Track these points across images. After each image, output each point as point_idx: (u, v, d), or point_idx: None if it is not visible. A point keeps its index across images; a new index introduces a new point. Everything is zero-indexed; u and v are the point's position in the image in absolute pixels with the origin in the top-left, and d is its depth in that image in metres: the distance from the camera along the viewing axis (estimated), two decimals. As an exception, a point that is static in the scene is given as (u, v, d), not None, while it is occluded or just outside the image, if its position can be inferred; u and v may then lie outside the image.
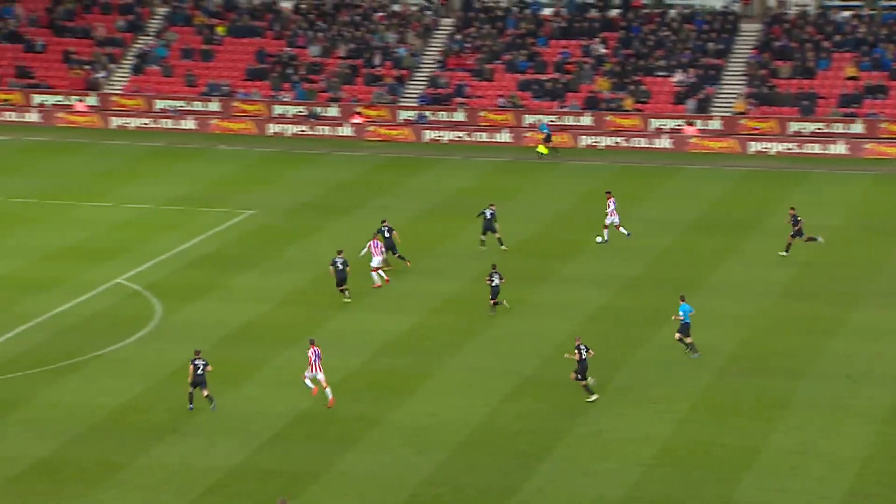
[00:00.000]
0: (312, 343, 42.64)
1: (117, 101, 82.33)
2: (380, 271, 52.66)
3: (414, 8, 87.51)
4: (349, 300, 51.19)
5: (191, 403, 42.01)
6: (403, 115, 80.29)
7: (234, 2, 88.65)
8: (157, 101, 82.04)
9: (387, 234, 54.20)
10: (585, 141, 76.33)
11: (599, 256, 56.89)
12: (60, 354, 46.25)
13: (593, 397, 42.66)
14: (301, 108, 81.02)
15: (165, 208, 64.10)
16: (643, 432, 40.48)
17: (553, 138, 74.01)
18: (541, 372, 45.00)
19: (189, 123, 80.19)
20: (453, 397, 43.00)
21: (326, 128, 78.83)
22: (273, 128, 79.02)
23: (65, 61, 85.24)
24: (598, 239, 58.17)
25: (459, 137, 77.39)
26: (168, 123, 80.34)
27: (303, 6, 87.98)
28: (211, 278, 54.20)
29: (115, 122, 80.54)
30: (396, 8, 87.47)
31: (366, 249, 52.93)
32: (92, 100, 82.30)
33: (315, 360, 42.22)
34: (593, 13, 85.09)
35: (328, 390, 42.28)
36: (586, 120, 78.38)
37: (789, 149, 74.71)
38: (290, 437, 40.41)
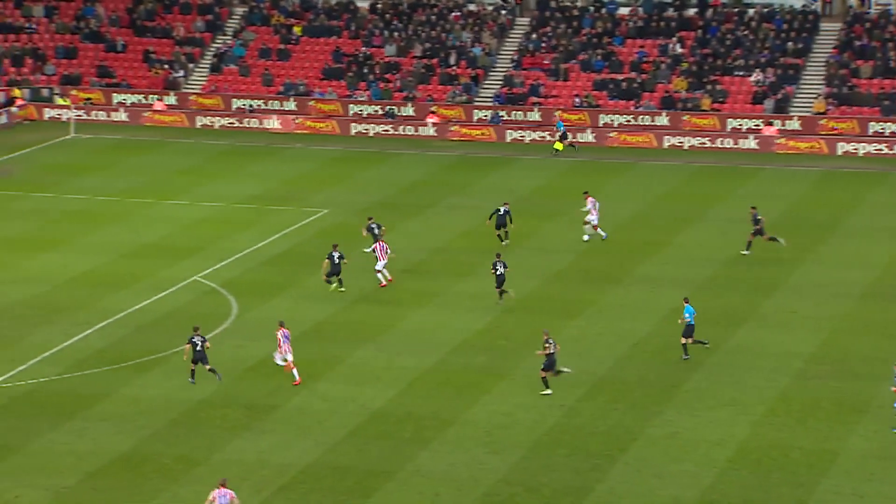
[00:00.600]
0: (282, 325, 43.88)
1: (195, 100, 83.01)
2: (384, 272, 52.75)
3: (490, 7, 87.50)
4: (343, 290, 51.71)
5: (192, 378, 43.72)
6: (478, 114, 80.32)
7: (311, 2, 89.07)
8: (235, 100, 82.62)
9: (376, 232, 54.56)
10: (669, 141, 75.91)
11: (675, 257, 56.63)
12: (140, 350, 46.73)
13: (548, 391, 42.84)
14: (377, 108, 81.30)
15: (241, 206, 64.54)
16: (718, 434, 40.26)
17: (568, 135, 74.41)
18: (615, 372, 44.86)
19: (265, 122, 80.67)
20: (528, 397, 42.97)
21: (409, 127, 78.97)
22: (357, 127, 79.23)
23: (145, 61, 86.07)
24: (585, 237, 58.13)
25: (542, 137, 77.03)
26: (246, 122, 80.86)
27: (379, 6, 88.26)
28: (285, 276, 54.52)
29: (195, 121, 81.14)
30: (472, 7, 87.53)
31: (369, 249, 53.12)
32: (171, 99, 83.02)
33: (284, 342, 43.64)
34: (670, 12, 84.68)
35: (295, 371, 43.61)
36: (662, 120, 78.02)
37: (875, 149, 73.87)
38: (364, 434, 40.56)
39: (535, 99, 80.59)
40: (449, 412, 41.93)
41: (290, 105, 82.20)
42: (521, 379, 44.34)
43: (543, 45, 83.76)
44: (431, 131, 78.81)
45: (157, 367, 45.44)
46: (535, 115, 79.38)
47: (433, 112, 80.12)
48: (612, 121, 78.17)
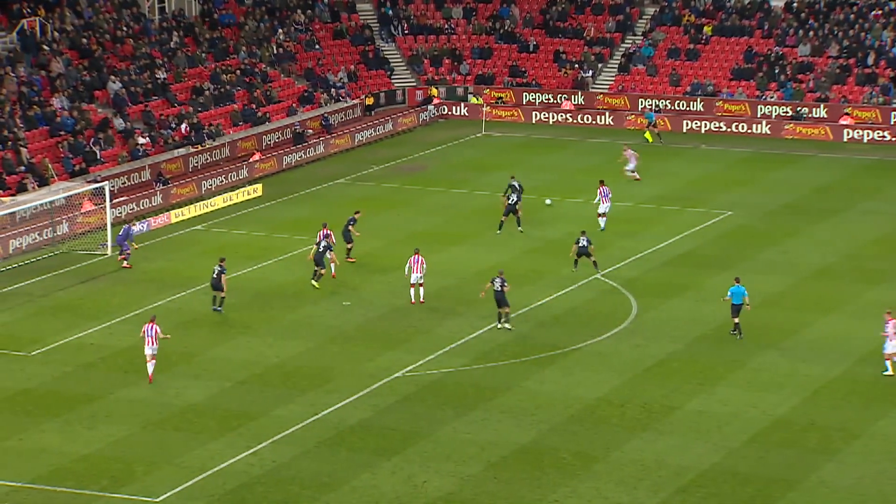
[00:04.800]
0: (152, 320, 44.61)
1: (602, 99, 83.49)
2: (418, 287, 51.01)
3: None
4: (317, 286, 52.41)
5: (213, 305, 49.83)
6: None
7: (723, 1, 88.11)
8: (641, 99, 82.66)
9: (350, 227, 55.30)
10: None
11: None
12: (541, 346, 47.38)
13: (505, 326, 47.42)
14: (786, 109, 79.67)
15: (644, 206, 64.48)
16: None
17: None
18: None
19: (671, 123, 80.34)
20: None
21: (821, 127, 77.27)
22: (762, 128, 77.95)
23: (555, 61, 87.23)
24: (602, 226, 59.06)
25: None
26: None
27: (794, 4, 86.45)
28: (687, 277, 54.13)
29: (599, 119, 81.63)
30: (894, 6, 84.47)
31: (408, 267, 51.16)
32: (578, 98, 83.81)
33: (152, 335, 44.17)
34: None
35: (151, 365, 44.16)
36: None
37: None
38: (765, 442, 39.80)
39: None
40: (856, 424, 40.63)
41: (697, 105, 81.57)
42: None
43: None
44: (843, 134, 76.69)
45: (557, 362, 45.96)
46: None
47: (847, 114, 77.83)
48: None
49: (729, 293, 47.25)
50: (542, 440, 40.11)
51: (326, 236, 53.65)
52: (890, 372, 44.21)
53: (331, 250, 53.41)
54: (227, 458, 38.89)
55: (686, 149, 76.02)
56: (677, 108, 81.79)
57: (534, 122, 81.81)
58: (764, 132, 78.33)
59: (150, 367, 44.39)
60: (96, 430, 40.80)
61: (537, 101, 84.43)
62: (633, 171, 67.65)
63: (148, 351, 44.43)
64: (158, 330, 44.61)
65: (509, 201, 59.94)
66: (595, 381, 44.23)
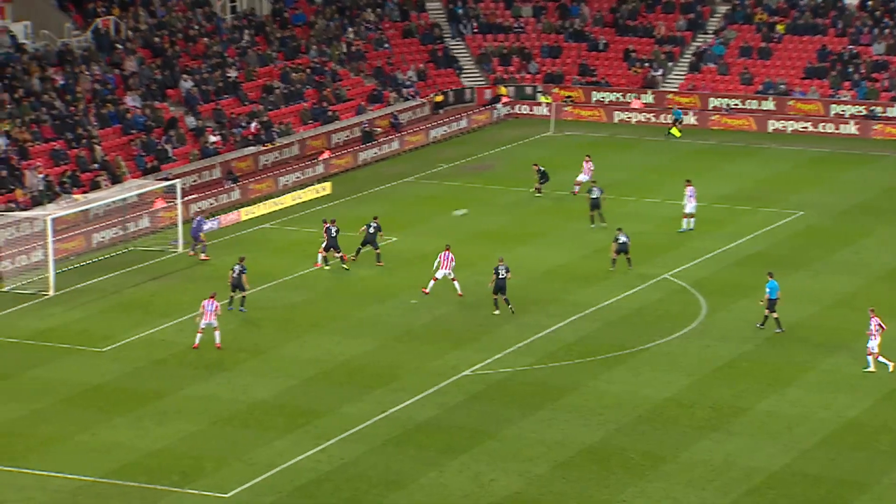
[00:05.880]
0: (213, 296, 46.42)
1: (672, 98, 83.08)
2: (454, 282, 51.48)
3: None
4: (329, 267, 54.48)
5: (231, 306, 49.65)
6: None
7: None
8: (712, 99, 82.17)
9: (371, 231, 55.18)
10: None
11: None
12: (608, 345, 47.22)
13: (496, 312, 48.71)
14: (860, 108, 78.92)
15: (714, 206, 64.10)
16: None
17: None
18: None
19: (743, 122, 79.82)
20: None
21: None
22: (831, 127, 77.23)
23: (625, 60, 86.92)
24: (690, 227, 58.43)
25: None
26: (723, 121, 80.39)
27: (869, 2, 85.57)
28: (757, 277, 53.53)
29: (670, 119, 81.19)
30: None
31: (437, 262, 51.55)
32: (648, 97, 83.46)
33: (210, 310, 46.05)
34: None
35: (217, 334, 46.18)
36: None
37: None
38: (837, 444, 39.45)
39: None
40: (933, 427, 40.25)
41: (769, 105, 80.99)
42: None
43: None
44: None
45: (624, 362, 45.78)
46: None
47: (919, 114, 77.09)
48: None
49: (767, 289, 47.27)
50: (610, 440, 39.98)
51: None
52: (872, 369, 43.90)
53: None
54: (295, 455, 39.07)
55: (759, 148, 75.49)
56: (748, 108, 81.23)
57: (615, 122, 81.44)
58: (837, 132, 77.60)
59: (198, 338, 46.42)
60: (166, 426, 41.13)
61: (606, 100, 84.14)
62: (581, 183, 64.91)
63: (202, 323, 46.24)
64: (217, 305, 46.31)
65: (592, 196, 60.35)
66: (663, 382, 44.03)
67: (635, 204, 64.89)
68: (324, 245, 55.36)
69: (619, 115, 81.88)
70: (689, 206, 59.85)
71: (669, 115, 79.57)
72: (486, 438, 40.07)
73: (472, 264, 53.61)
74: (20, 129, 65.42)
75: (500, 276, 49.59)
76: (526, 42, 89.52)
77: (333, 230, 55.08)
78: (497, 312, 49.90)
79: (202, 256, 56.37)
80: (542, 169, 65.89)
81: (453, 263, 51.60)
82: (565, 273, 55.06)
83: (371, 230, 55.67)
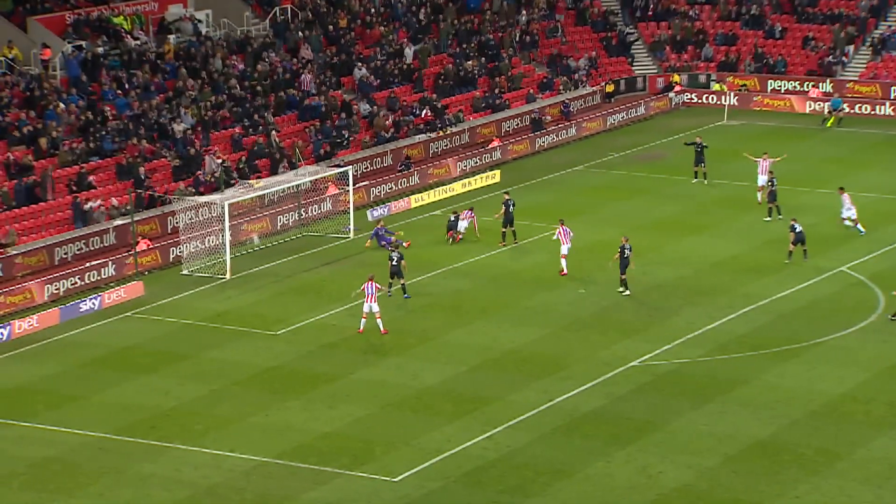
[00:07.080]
0: (371, 279, 47.00)
1: (851, 87, 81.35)
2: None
3: None
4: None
5: (388, 290, 49.99)
6: None
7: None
8: (894, 88, 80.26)
9: (511, 210, 56.26)
10: None
11: None
12: (781, 338, 46.55)
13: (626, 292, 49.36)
14: None
15: (891, 198, 62.71)
16: None
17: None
18: None
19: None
20: None
21: None
22: None
23: (803, 47, 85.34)
24: (861, 230, 56.14)
25: None
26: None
27: None
28: (938, 272, 52.55)
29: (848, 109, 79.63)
30: None
31: (556, 236, 52.93)
32: (825, 86, 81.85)
33: (371, 292, 46.71)
34: None
35: (380, 321, 46.88)
36: None
37: None
38: None
39: None
40: None
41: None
42: None
43: None
44: None
45: (798, 356, 45.08)
46: None
47: None
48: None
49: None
50: (782, 435, 39.42)
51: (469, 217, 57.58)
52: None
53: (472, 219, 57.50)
54: (463, 442, 39.30)
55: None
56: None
57: (792, 111, 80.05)
58: None
59: (363, 323, 47.23)
60: (337, 409, 41.69)
61: (783, 88, 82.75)
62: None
63: (365, 308, 46.99)
64: (377, 287, 47.37)
65: (773, 187, 59.51)
66: (839, 377, 43.26)
67: (809, 195, 63.77)
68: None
69: (795, 104, 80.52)
70: (850, 212, 57.58)
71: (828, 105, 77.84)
72: (653, 430, 39.82)
73: (641, 254, 53.22)
74: (204, 113, 66.86)
75: (625, 256, 50.39)
76: (700, 28, 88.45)
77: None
78: (627, 293, 50.26)
79: (405, 244, 56.74)
80: (704, 145, 65.75)
81: (572, 235, 53.08)
82: (736, 264, 54.39)
83: (511, 209, 56.66)
